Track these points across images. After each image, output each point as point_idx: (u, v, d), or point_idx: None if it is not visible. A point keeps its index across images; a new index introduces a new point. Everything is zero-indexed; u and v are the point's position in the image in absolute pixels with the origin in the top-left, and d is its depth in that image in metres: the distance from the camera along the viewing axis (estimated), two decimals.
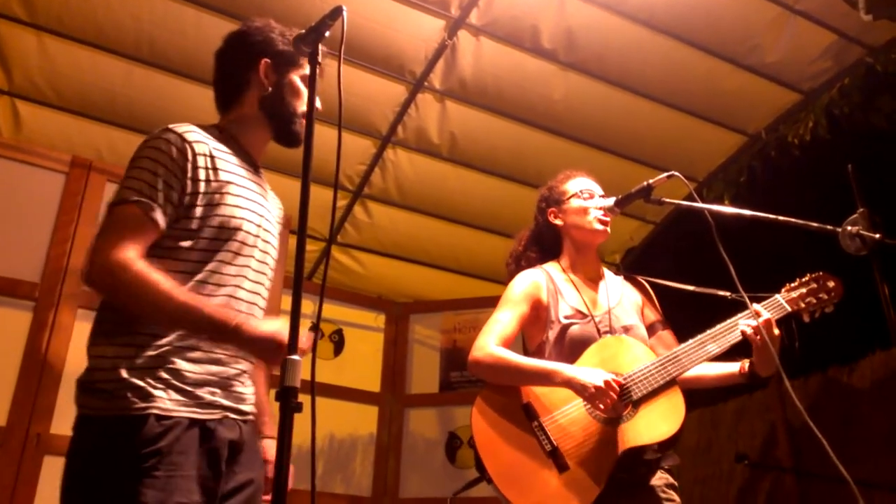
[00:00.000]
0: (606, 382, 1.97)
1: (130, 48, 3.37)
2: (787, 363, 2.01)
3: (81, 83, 3.45)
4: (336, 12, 1.56)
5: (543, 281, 2.31)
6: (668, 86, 3.81)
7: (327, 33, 1.59)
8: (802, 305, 2.15)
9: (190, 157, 1.66)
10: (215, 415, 1.63)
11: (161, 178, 1.62)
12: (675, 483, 2.15)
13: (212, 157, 1.70)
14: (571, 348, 2.17)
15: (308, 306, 2.04)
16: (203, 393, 1.62)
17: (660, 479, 2.11)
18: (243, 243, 1.72)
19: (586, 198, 2.37)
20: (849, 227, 1.97)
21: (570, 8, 3.41)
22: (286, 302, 1.48)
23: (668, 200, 2.26)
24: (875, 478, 3.55)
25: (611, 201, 2.32)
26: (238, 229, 1.70)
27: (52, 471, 2.91)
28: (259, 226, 1.77)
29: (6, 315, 3.02)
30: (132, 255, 1.55)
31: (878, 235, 1.93)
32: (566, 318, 2.23)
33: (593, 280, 2.37)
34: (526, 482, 1.97)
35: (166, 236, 1.63)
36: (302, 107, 1.83)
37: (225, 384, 1.68)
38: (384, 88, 3.71)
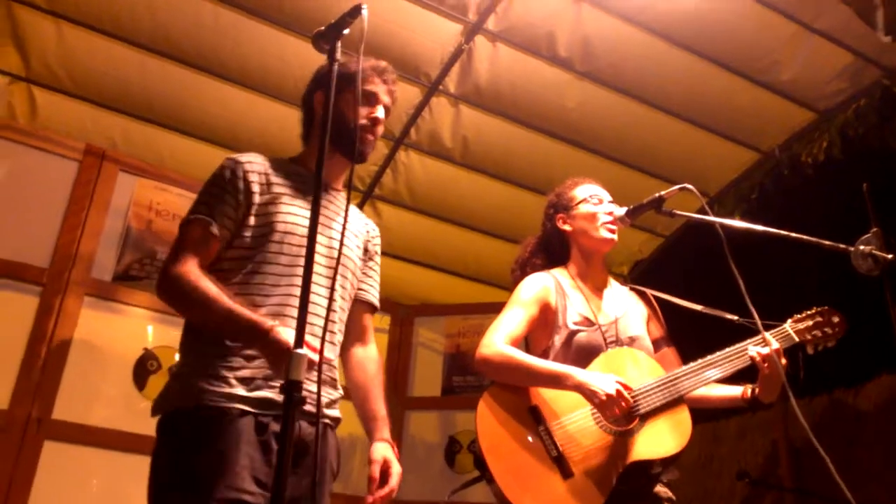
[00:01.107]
0: (618, 391, 1.96)
1: (146, 39, 3.37)
2: (793, 385, 2.00)
3: (97, 72, 3.46)
4: (356, 11, 1.58)
5: (552, 285, 2.30)
6: (683, 99, 3.80)
7: (346, 31, 1.60)
8: (809, 337, 2.16)
9: (241, 174, 1.86)
10: (271, 411, 1.69)
11: (214, 195, 1.83)
12: (674, 497, 2.14)
13: (266, 174, 1.89)
14: (577, 355, 2.16)
15: None
16: (261, 391, 1.69)
17: (660, 492, 2.10)
18: (291, 253, 1.81)
19: (595, 204, 2.36)
20: (861, 247, 1.95)
21: (587, 17, 3.40)
22: None
23: (679, 213, 2.25)
24: (878, 500, 3.52)
25: (622, 211, 2.31)
26: (287, 233, 1.82)
27: (52, 455, 2.91)
28: (304, 236, 1.82)
29: (13, 298, 3.04)
30: (189, 266, 1.73)
31: (890, 255, 1.91)
32: (574, 324, 2.22)
33: (600, 289, 2.36)
34: (529, 485, 1.96)
35: (230, 247, 1.81)
36: (358, 121, 1.93)
37: None
38: (399, 90, 3.70)
